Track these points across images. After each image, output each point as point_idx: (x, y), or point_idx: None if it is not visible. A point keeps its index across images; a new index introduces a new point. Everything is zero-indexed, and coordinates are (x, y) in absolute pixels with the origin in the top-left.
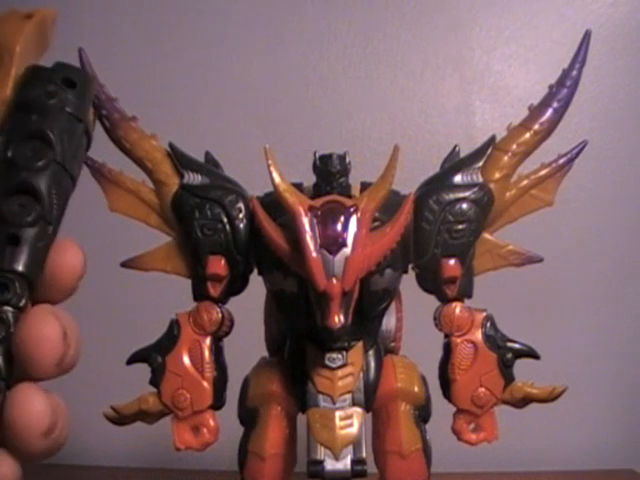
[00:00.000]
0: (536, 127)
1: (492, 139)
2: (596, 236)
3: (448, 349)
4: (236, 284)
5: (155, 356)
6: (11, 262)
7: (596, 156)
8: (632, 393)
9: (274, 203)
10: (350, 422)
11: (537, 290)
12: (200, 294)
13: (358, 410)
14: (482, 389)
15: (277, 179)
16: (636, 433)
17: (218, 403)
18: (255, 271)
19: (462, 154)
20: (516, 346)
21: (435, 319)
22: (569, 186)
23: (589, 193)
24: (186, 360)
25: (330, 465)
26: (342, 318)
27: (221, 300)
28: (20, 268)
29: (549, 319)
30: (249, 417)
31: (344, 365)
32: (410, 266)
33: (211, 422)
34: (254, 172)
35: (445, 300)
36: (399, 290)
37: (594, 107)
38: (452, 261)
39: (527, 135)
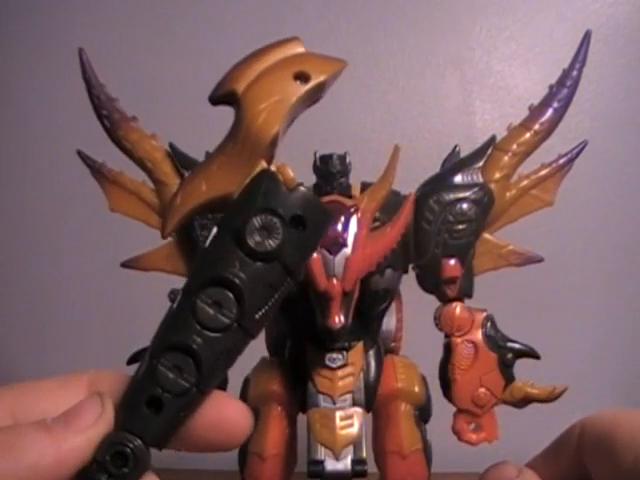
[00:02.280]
0: (536, 127)
1: (492, 139)
2: (597, 236)
3: (448, 349)
4: None
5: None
6: (142, 429)
7: (596, 156)
8: (633, 393)
9: None
10: (350, 422)
11: (537, 290)
12: None
13: (358, 410)
14: (482, 389)
15: None
16: None
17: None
18: None
19: (462, 154)
20: (516, 346)
21: (435, 319)
22: (569, 186)
23: (589, 193)
24: None
25: (330, 465)
26: (342, 318)
27: None
28: (149, 439)
29: (549, 319)
30: None
31: (344, 365)
32: (410, 266)
33: None
34: None
35: (445, 300)
36: (399, 290)
37: (594, 107)
38: (452, 261)
39: (527, 135)
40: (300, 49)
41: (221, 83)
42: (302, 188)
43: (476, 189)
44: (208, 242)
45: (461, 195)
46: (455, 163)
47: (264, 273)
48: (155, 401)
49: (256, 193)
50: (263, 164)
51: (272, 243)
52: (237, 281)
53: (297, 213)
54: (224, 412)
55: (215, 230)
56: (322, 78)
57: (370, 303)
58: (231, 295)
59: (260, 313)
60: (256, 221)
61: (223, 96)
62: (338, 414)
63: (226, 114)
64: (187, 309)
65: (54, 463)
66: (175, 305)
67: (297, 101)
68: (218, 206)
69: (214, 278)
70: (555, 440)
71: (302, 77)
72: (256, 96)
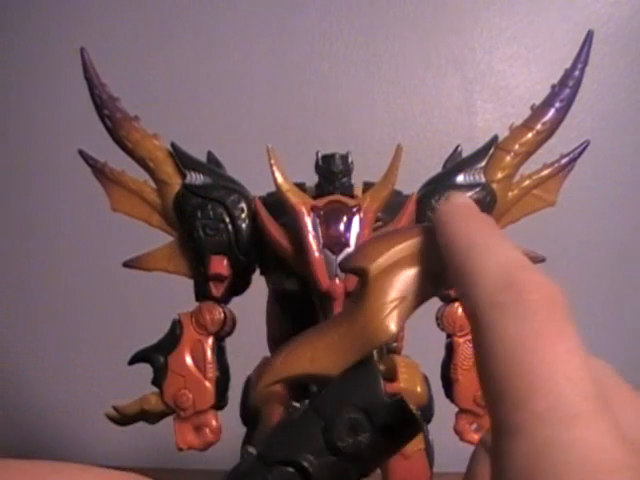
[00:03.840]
0: (538, 127)
1: (494, 139)
2: (598, 236)
3: (450, 349)
4: (238, 284)
5: (157, 356)
6: None
7: (598, 156)
8: None
9: (277, 203)
10: None
11: None
12: (202, 294)
13: None
14: None
15: (280, 179)
16: None
17: (220, 403)
18: (257, 271)
19: (464, 154)
20: None
21: (437, 319)
22: (571, 186)
23: (591, 193)
24: (188, 360)
25: None
26: None
27: (223, 300)
28: None
29: None
30: (251, 417)
31: None
32: None
33: (213, 422)
34: (256, 172)
35: (447, 300)
36: None
37: (596, 107)
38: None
39: (529, 135)
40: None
41: (355, 255)
42: (402, 399)
43: (478, 189)
44: (298, 415)
45: None
46: (457, 163)
47: (337, 468)
48: None
49: (356, 388)
50: (371, 358)
51: (356, 445)
52: (310, 470)
53: (389, 424)
54: None
55: (307, 405)
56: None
57: None
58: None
59: None
60: (347, 418)
61: (354, 269)
62: None
63: (228, 114)
64: (258, 476)
65: None
66: (248, 462)
67: (424, 301)
68: (316, 381)
69: (292, 459)
70: None
71: (438, 279)
72: (386, 287)
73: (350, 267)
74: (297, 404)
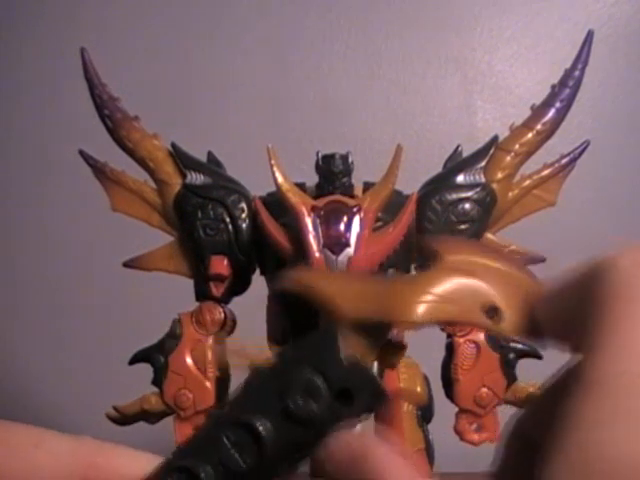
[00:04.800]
0: (539, 127)
1: (494, 139)
2: (596, 236)
3: (450, 349)
4: (238, 284)
5: (157, 356)
6: None
7: (598, 156)
8: None
9: (277, 203)
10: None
11: None
12: (202, 294)
13: None
14: (484, 389)
15: (280, 179)
16: None
17: (220, 403)
18: (257, 271)
19: (464, 154)
20: (518, 346)
21: None
22: (571, 186)
23: (591, 193)
24: (188, 360)
25: None
26: None
27: (223, 300)
28: None
29: None
30: None
31: None
32: (412, 266)
33: None
34: (257, 172)
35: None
36: None
37: (596, 107)
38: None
39: (529, 135)
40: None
41: (445, 241)
42: (362, 364)
43: (478, 189)
44: (256, 377)
45: (463, 195)
46: (457, 163)
47: (291, 433)
48: None
49: (314, 351)
50: (333, 323)
51: (312, 411)
52: (264, 434)
53: (347, 388)
54: None
55: (265, 367)
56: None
57: None
58: (254, 443)
59: (280, 467)
60: (303, 380)
61: (433, 250)
62: None
63: (228, 114)
64: (212, 437)
65: None
66: (203, 427)
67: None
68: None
69: (245, 421)
70: None
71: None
72: (443, 281)
73: (431, 246)
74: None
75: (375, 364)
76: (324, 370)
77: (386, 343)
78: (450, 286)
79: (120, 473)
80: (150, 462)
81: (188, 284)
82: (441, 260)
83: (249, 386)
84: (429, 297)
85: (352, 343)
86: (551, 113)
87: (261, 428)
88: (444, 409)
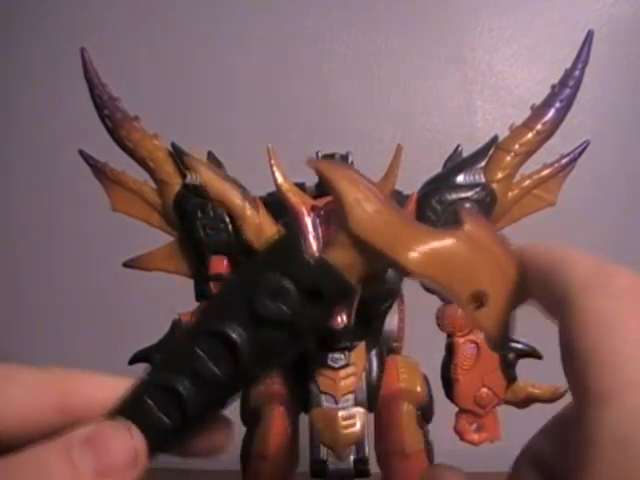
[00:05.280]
0: (538, 127)
1: (494, 139)
2: (598, 236)
3: (450, 349)
4: None
5: (157, 356)
6: None
7: (598, 156)
8: None
9: (277, 203)
10: (353, 422)
11: None
12: (202, 294)
13: (361, 410)
14: (484, 389)
15: (280, 179)
16: None
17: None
18: None
19: (464, 154)
20: (518, 346)
21: (437, 319)
22: (571, 186)
23: (591, 193)
24: None
25: (333, 465)
26: (345, 318)
27: None
28: None
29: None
30: (251, 417)
31: (347, 365)
32: None
33: None
34: (256, 172)
35: (447, 300)
36: (401, 290)
37: (596, 107)
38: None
39: (529, 135)
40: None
41: (464, 210)
42: (326, 259)
43: (478, 189)
44: (225, 287)
45: (463, 195)
46: (457, 163)
47: (268, 338)
48: (133, 420)
49: (277, 255)
50: (296, 228)
51: (282, 312)
52: (237, 341)
53: (314, 285)
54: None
55: (233, 277)
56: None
57: (372, 303)
58: (228, 352)
59: (257, 370)
60: (271, 283)
61: (455, 215)
62: (340, 414)
63: (228, 113)
64: (186, 351)
65: None
66: (177, 342)
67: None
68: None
69: (216, 330)
70: None
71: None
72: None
73: (459, 213)
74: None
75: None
76: (290, 271)
77: (373, 273)
78: (453, 252)
79: (93, 397)
80: (123, 385)
81: (188, 284)
82: (460, 227)
83: (218, 297)
84: (429, 251)
85: (345, 254)
86: (551, 113)
87: (234, 335)
88: (444, 409)
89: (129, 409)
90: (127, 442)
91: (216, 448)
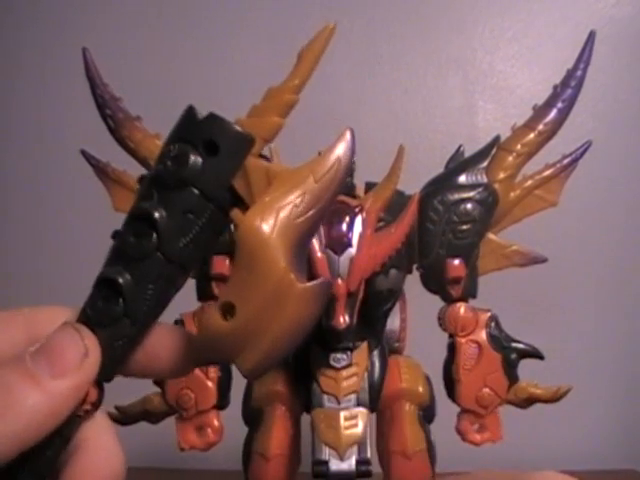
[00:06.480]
0: (540, 127)
1: (496, 139)
2: (598, 236)
3: (452, 349)
4: None
5: None
6: None
7: (600, 156)
8: (632, 393)
9: None
10: (355, 422)
11: (542, 290)
12: (204, 294)
13: (363, 410)
14: (486, 389)
15: None
16: (636, 433)
17: (222, 403)
18: None
19: (466, 154)
20: (520, 346)
21: (439, 319)
22: (573, 186)
23: (592, 193)
24: None
25: (335, 465)
26: (347, 318)
27: None
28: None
29: (553, 319)
30: (253, 417)
31: (349, 365)
32: (414, 266)
33: (215, 422)
34: None
35: (449, 300)
36: (403, 290)
37: (598, 107)
38: (456, 261)
39: (531, 135)
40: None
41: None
42: (215, 114)
43: (480, 189)
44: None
45: (465, 195)
46: (459, 163)
47: (179, 201)
48: (90, 326)
49: (175, 129)
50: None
51: (182, 169)
52: (153, 212)
53: (208, 138)
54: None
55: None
56: None
57: (374, 303)
58: (148, 225)
59: (184, 241)
60: (168, 151)
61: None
62: (342, 414)
63: (229, 113)
64: (115, 244)
65: (48, 414)
66: (115, 238)
67: None
68: None
69: (134, 212)
70: None
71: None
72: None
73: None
74: None
75: None
76: (184, 134)
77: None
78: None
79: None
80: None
81: (190, 284)
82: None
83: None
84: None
85: None
86: (553, 113)
87: (149, 208)
88: (446, 409)
89: (82, 315)
90: (77, 341)
91: (163, 359)
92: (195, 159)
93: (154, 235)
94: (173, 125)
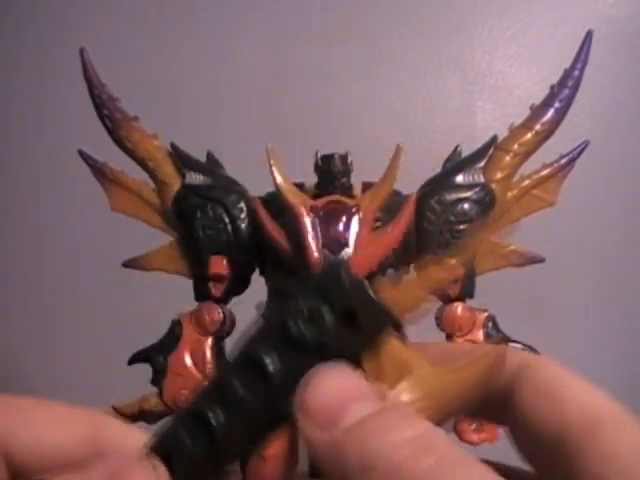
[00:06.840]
0: (538, 127)
1: (494, 139)
2: (598, 236)
3: None
4: (238, 284)
5: (157, 356)
6: None
7: (597, 156)
8: (632, 393)
9: (276, 203)
10: None
11: (539, 290)
12: (202, 294)
13: None
14: None
15: (279, 179)
16: None
17: None
18: (257, 271)
19: (464, 154)
20: (518, 346)
21: (437, 319)
22: (570, 186)
23: (590, 193)
24: (188, 360)
25: None
26: None
27: (223, 300)
28: None
29: (551, 319)
30: None
31: None
32: (412, 266)
33: None
34: (256, 172)
35: (447, 300)
36: None
37: (596, 107)
38: (454, 261)
39: (529, 135)
40: None
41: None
42: (364, 285)
43: (477, 189)
44: (258, 325)
45: (462, 195)
46: (457, 163)
47: (299, 363)
48: (167, 455)
49: (316, 282)
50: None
51: (315, 335)
52: (270, 366)
53: (349, 307)
54: None
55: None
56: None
57: None
58: (260, 378)
59: (287, 405)
60: (304, 307)
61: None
62: None
63: (228, 114)
64: (219, 380)
65: None
66: (219, 371)
67: None
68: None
69: (248, 355)
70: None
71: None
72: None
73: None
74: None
75: None
76: (325, 293)
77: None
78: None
79: (126, 434)
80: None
81: (188, 284)
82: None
83: (256, 331)
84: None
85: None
86: (550, 113)
87: (268, 361)
88: None
89: (162, 442)
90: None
91: None
92: (329, 325)
93: (262, 392)
94: (315, 279)
